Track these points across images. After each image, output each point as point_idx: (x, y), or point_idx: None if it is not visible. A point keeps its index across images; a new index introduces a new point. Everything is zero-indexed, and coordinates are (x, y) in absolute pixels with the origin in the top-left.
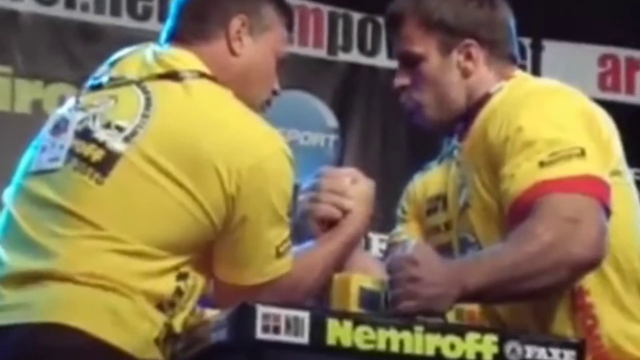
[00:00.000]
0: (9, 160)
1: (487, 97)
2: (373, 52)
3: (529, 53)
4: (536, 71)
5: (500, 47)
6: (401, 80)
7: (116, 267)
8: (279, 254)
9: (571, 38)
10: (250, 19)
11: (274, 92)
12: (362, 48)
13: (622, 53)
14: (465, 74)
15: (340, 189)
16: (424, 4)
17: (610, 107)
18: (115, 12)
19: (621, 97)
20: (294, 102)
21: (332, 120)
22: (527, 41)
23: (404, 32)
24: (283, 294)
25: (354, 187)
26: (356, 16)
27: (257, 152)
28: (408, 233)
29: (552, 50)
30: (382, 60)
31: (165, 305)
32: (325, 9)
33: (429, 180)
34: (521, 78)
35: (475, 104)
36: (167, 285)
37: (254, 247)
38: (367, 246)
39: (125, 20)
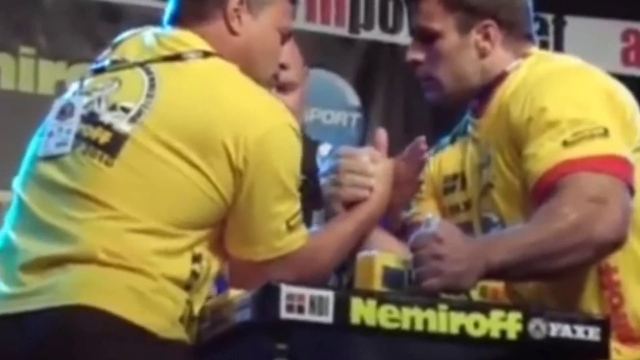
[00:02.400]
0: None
1: (503, 75)
2: (395, 30)
3: (551, 29)
4: (559, 47)
5: (518, 28)
6: (415, 55)
7: (135, 246)
8: (290, 228)
9: (594, 13)
10: None
11: (282, 66)
12: (383, 26)
13: None
14: (482, 54)
15: (359, 169)
16: None
17: (633, 82)
18: None
19: None
20: (316, 80)
21: (354, 99)
22: (549, 17)
23: (423, 8)
24: (298, 270)
25: (373, 166)
26: None
27: (264, 125)
28: (425, 211)
29: (575, 25)
30: (404, 38)
31: (183, 286)
32: None
33: (444, 159)
34: (539, 56)
35: (492, 82)
36: (183, 267)
37: (264, 222)
38: None
39: (147, 0)
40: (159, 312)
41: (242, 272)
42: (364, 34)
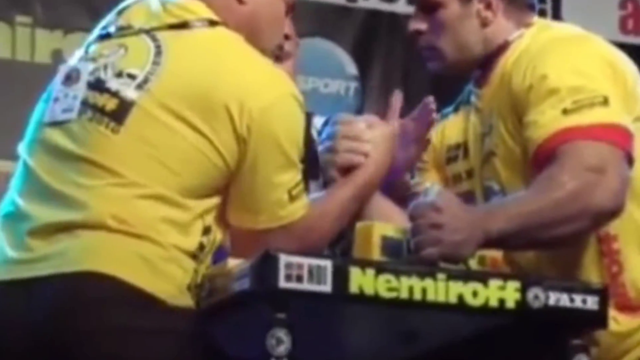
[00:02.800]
0: (30, 110)
1: (506, 44)
2: None
3: None
4: (557, 15)
5: None
6: (417, 25)
7: (143, 213)
8: (292, 198)
9: None
10: None
11: (286, 37)
12: None
13: None
14: (484, 23)
15: (355, 135)
16: None
17: (631, 50)
18: None
19: None
20: (313, 49)
21: (352, 68)
22: None
23: None
24: (298, 239)
25: (369, 131)
26: None
27: (268, 95)
28: (427, 182)
29: None
30: (402, 6)
31: (191, 256)
32: None
33: (447, 128)
34: (542, 25)
35: (494, 51)
36: (192, 239)
37: (267, 191)
38: None
39: None
40: (168, 279)
41: (243, 241)
42: (362, 3)
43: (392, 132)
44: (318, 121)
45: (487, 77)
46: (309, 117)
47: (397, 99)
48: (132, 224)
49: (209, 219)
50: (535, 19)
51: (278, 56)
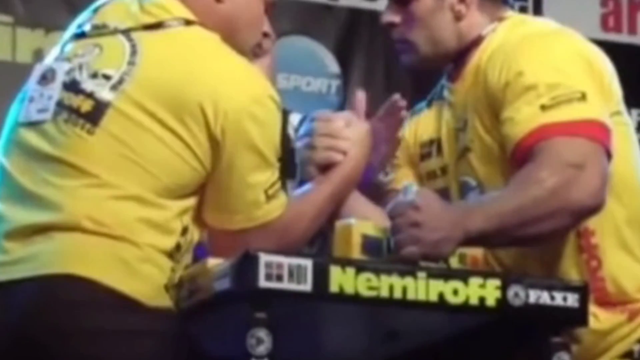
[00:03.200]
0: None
1: (479, 38)
2: None
3: None
4: (538, 12)
5: None
6: (391, 17)
7: (119, 214)
8: (268, 197)
9: None
10: None
11: (265, 35)
12: None
13: None
14: (458, 17)
15: (334, 132)
16: None
17: (612, 48)
18: None
19: (623, 37)
20: (295, 47)
21: (334, 66)
22: None
23: None
24: (276, 238)
25: (348, 129)
26: None
27: (243, 95)
28: (401, 179)
29: None
30: (383, 4)
31: (168, 256)
32: None
33: (420, 125)
34: (516, 19)
35: (468, 46)
36: (170, 239)
37: (243, 191)
38: None
39: None
40: (145, 280)
41: (221, 240)
42: (344, 1)
43: (369, 129)
44: (295, 118)
45: (460, 71)
46: (285, 115)
47: (359, 99)
48: (108, 224)
49: (187, 219)
50: (510, 13)
51: (256, 54)
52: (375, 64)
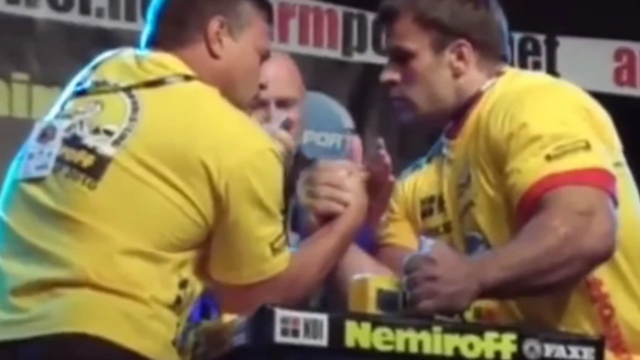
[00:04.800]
0: None
1: (478, 94)
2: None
3: (543, 49)
4: (551, 67)
5: (493, 49)
6: (390, 75)
7: (124, 269)
8: (274, 251)
9: (586, 33)
10: (228, 19)
11: (261, 87)
12: (377, 48)
13: (638, 47)
14: (456, 74)
15: (337, 182)
16: (421, 1)
17: (626, 101)
18: (130, 16)
19: (637, 91)
20: (309, 103)
21: (348, 121)
22: (541, 37)
23: (397, 28)
24: (283, 291)
25: (350, 180)
26: (370, 16)
27: (246, 151)
28: (400, 234)
29: (567, 46)
30: None
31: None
32: (340, 10)
33: (419, 181)
34: (513, 74)
35: (467, 102)
36: (170, 292)
37: (249, 246)
38: None
39: (140, 25)
40: (154, 337)
41: (229, 295)
42: (357, 57)
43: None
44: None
45: (460, 128)
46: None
47: (356, 146)
48: (114, 280)
49: (185, 273)
50: (507, 68)
51: (282, 102)
52: (390, 118)
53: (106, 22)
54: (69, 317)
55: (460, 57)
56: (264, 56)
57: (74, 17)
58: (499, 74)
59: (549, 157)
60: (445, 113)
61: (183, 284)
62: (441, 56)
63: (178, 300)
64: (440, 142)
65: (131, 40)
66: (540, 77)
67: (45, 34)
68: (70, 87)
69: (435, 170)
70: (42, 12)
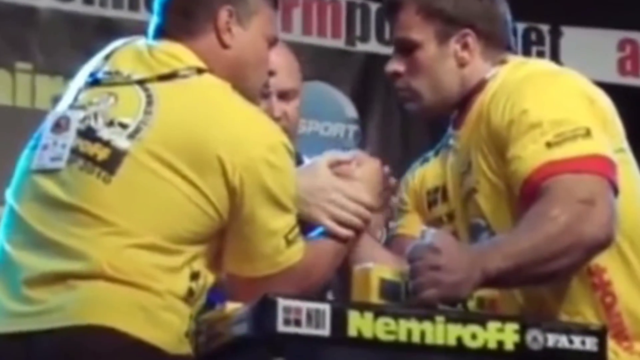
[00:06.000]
0: None
1: (482, 83)
2: (391, 42)
3: (547, 39)
4: (555, 57)
5: (497, 39)
6: (395, 66)
7: (138, 262)
8: (288, 243)
9: (590, 23)
10: (237, 8)
11: (270, 73)
12: (380, 38)
13: None
14: (461, 63)
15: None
16: None
17: (630, 91)
18: (134, 6)
19: None
20: (313, 93)
21: (351, 111)
22: (545, 27)
23: (402, 19)
24: (298, 281)
25: (359, 169)
26: (374, 6)
27: (260, 144)
28: (410, 225)
29: (571, 36)
30: None
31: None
32: (343, 0)
33: (427, 173)
34: (516, 62)
35: (471, 92)
36: (182, 283)
37: (264, 239)
38: None
39: (143, 15)
40: (168, 329)
41: (243, 287)
42: (361, 46)
43: (379, 167)
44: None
45: (464, 117)
46: (299, 158)
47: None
48: (128, 272)
49: (197, 265)
50: (511, 56)
51: (282, 94)
52: (393, 108)
53: (110, 12)
54: (84, 310)
55: (465, 47)
56: (272, 43)
57: (77, 6)
58: (503, 62)
59: (549, 144)
60: (451, 103)
61: (195, 276)
62: (446, 46)
63: (190, 292)
64: (447, 134)
65: (135, 30)
66: (544, 65)
67: (49, 24)
68: (82, 77)
69: (441, 162)
70: (46, 2)
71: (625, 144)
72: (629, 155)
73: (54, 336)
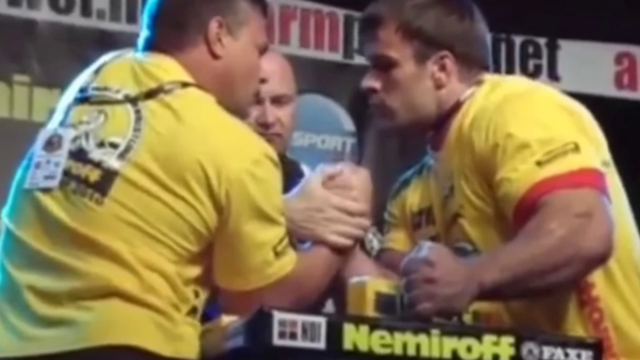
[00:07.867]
0: None
1: (458, 104)
2: None
3: (545, 52)
4: (552, 71)
5: (474, 60)
6: (371, 82)
7: (144, 281)
8: (277, 254)
9: (587, 37)
10: (226, 18)
11: (262, 81)
12: None
13: (638, 51)
14: (438, 85)
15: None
16: (406, 10)
17: (627, 104)
18: (131, 19)
19: (638, 95)
20: (310, 105)
21: (349, 124)
22: (542, 41)
23: (381, 35)
24: (290, 293)
25: (354, 177)
26: None
27: (244, 158)
28: (400, 239)
29: (568, 49)
30: None
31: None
32: (341, 13)
33: (409, 194)
34: (492, 82)
35: (446, 113)
36: (187, 303)
37: (252, 252)
38: None
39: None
40: (186, 340)
41: (235, 300)
42: (358, 59)
43: (368, 177)
44: (306, 169)
45: (442, 139)
46: (297, 166)
47: None
48: (138, 291)
49: (197, 283)
50: (486, 76)
51: (275, 99)
52: None
53: (107, 24)
54: (103, 329)
55: (443, 68)
56: (262, 51)
57: (75, 19)
58: (478, 82)
59: (539, 163)
60: (425, 123)
61: (196, 294)
62: (423, 67)
63: (194, 310)
64: (428, 155)
65: (132, 42)
66: (518, 84)
67: (47, 36)
68: (72, 92)
69: (424, 183)
70: (43, 14)
71: (608, 156)
72: (613, 168)
73: (77, 358)
